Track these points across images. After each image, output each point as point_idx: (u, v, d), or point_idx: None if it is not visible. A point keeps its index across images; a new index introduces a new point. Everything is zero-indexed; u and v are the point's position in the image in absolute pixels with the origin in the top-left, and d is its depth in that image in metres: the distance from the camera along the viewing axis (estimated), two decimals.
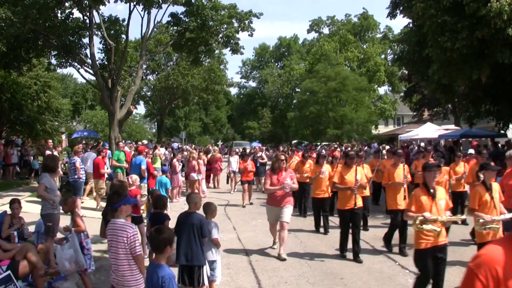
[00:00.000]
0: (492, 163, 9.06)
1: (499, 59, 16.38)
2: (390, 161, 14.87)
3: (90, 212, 15.73)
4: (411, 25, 23.09)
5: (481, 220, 7.60)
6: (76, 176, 15.57)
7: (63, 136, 35.84)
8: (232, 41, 25.45)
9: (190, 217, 7.62)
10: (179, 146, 43.40)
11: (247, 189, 19.32)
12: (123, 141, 22.13)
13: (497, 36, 16.07)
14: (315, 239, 12.84)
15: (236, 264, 10.06)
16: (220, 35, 25.36)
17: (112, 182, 8.90)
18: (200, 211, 7.85)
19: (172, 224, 8.11)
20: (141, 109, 75.06)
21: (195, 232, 7.50)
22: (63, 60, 23.61)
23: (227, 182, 24.97)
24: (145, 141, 36.57)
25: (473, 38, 16.32)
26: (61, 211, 9.35)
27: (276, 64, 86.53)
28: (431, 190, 7.22)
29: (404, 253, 10.69)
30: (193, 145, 49.05)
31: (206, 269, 7.64)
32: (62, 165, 20.41)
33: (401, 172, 11.38)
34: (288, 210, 10.79)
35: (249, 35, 25.78)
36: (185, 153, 24.02)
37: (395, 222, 11.04)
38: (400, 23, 63.02)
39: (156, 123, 63.22)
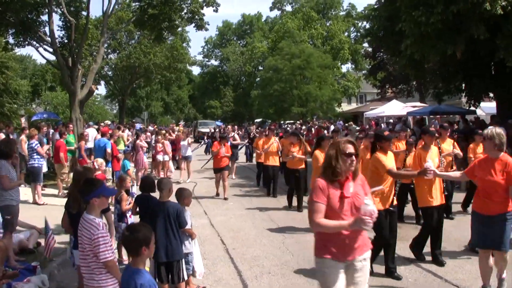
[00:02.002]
0: None
1: (474, 34, 16.02)
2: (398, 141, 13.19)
3: (51, 199, 14.90)
4: (383, 0, 22.49)
5: None
6: (35, 161, 14.61)
7: (23, 119, 34.50)
8: (196, 16, 24.67)
9: (164, 207, 6.89)
10: (142, 126, 42.44)
11: (219, 179, 16.32)
12: (85, 123, 21.33)
13: (473, 11, 15.71)
14: (292, 222, 12.21)
15: (212, 253, 9.40)
16: (184, 11, 24.56)
17: (75, 168, 7.84)
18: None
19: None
20: (101, 90, 73.56)
21: (172, 223, 6.78)
22: (21, 39, 22.54)
23: (176, 168, 22.56)
24: (107, 122, 35.53)
25: (448, 13, 15.91)
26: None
27: (239, 42, 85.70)
28: None
29: (441, 262, 8.51)
30: (155, 125, 48.02)
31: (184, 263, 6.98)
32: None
33: (436, 157, 8.83)
34: (368, 266, 5.12)
35: (214, 10, 25.16)
36: (153, 136, 23.11)
37: (430, 222, 8.57)
38: (364, 1, 62.65)
39: (117, 104, 61.81)
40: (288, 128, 28.88)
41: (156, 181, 7.46)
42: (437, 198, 8.48)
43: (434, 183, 8.41)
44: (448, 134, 12.62)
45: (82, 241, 5.01)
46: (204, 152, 30.20)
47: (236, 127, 36.94)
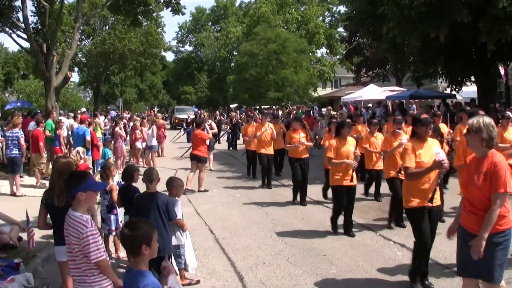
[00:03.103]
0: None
1: (458, 17, 15.88)
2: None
3: (30, 190, 14.36)
4: None
5: None
6: (15, 152, 13.89)
7: None
8: (173, 0, 24.19)
9: (153, 198, 6.54)
10: (117, 113, 41.94)
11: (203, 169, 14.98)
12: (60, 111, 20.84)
13: None
14: (280, 208, 12.08)
15: (202, 244, 9.07)
16: None
17: (56, 159, 7.34)
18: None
19: None
20: (75, 77, 72.28)
21: (162, 215, 6.45)
22: None
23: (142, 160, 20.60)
24: (83, 109, 34.99)
25: None
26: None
27: (213, 27, 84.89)
28: None
29: None
30: (129, 112, 47.47)
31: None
32: None
33: None
34: None
35: None
36: (130, 123, 22.52)
37: None
38: None
39: (92, 91, 60.82)
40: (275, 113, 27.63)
41: (144, 172, 7.08)
42: None
43: None
44: (441, 120, 12.61)
45: (69, 241, 4.59)
46: (187, 140, 26.84)
47: (217, 112, 36.04)
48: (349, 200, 9.38)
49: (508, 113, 10.51)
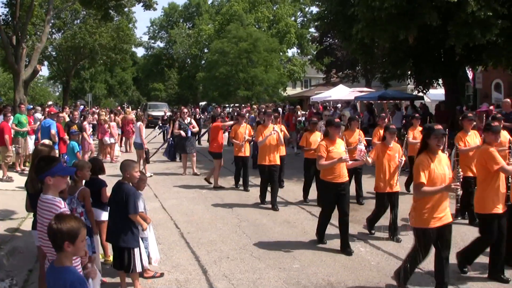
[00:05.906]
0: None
1: (427, 20, 16.08)
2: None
3: None
4: None
5: None
6: None
7: None
8: None
9: (118, 189, 6.55)
10: (85, 108, 41.55)
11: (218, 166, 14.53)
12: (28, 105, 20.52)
13: None
14: (245, 204, 12.13)
15: (167, 238, 9.09)
16: None
17: (36, 147, 7.38)
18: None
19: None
20: (44, 71, 71.21)
21: (120, 206, 6.41)
22: None
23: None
24: (50, 102, 34.64)
25: None
26: None
27: (185, 24, 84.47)
28: None
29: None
30: (98, 107, 47.00)
31: (138, 252, 6.57)
32: None
33: None
34: None
35: None
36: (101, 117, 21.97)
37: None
38: None
39: (61, 86, 60.10)
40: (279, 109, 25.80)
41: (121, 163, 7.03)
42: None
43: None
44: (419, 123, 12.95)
45: (43, 222, 4.55)
46: (163, 140, 24.89)
47: (197, 110, 34.73)
48: (443, 245, 6.19)
49: (470, 114, 10.41)
